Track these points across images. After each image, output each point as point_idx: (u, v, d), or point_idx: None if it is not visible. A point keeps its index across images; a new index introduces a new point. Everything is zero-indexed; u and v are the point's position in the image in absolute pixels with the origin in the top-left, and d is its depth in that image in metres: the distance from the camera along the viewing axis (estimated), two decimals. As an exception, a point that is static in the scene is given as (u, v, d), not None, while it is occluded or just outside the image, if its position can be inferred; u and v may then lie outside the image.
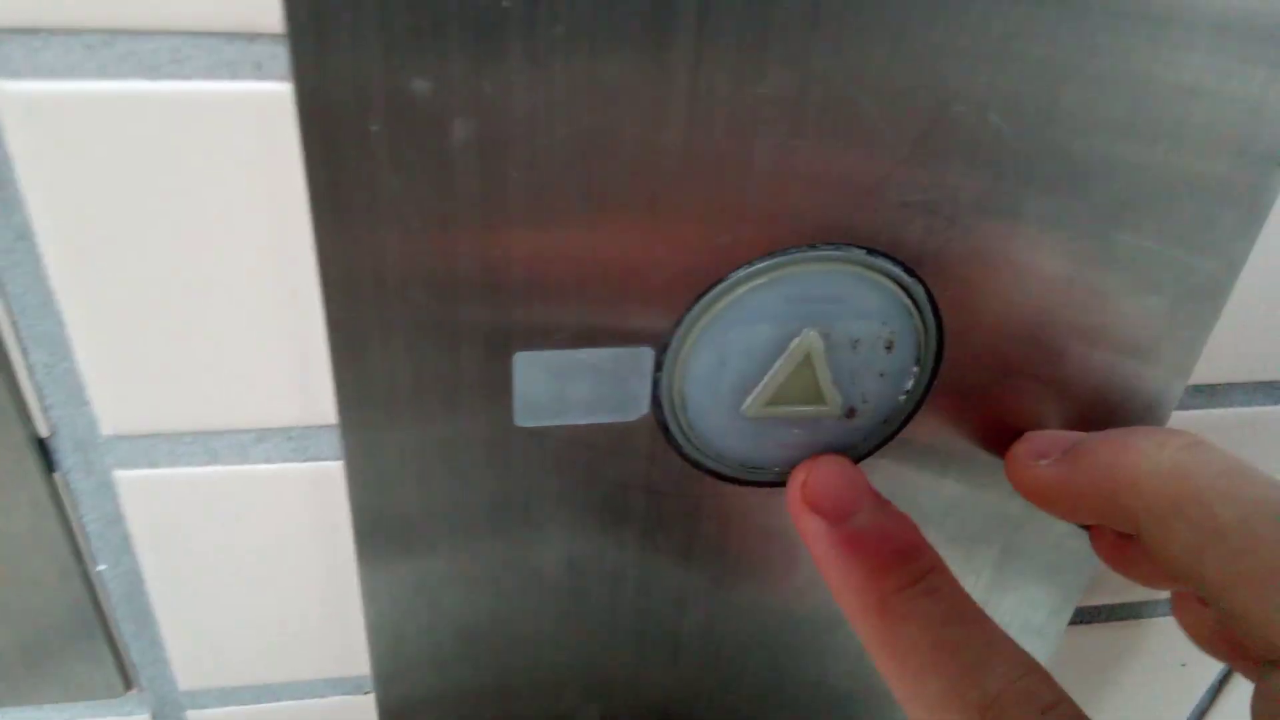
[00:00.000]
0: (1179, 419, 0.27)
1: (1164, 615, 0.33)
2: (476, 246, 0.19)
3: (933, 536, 0.24)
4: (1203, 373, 0.26)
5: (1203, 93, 0.20)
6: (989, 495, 0.26)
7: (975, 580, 0.28)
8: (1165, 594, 0.32)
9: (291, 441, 0.23)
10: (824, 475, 0.23)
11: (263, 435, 0.23)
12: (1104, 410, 0.25)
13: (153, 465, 0.23)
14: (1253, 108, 0.20)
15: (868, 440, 0.24)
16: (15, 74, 0.17)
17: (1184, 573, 0.19)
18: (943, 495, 0.26)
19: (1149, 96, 0.20)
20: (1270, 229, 0.22)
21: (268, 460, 0.23)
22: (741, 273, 0.21)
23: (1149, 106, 0.20)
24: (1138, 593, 0.32)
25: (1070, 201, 0.21)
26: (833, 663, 0.29)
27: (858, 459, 0.25)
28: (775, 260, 0.21)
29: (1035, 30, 0.19)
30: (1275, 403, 0.27)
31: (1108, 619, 0.33)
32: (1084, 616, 0.33)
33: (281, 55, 0.18)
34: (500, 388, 0.21)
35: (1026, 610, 0.29)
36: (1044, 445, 0.23)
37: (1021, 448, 0.23)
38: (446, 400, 0.21)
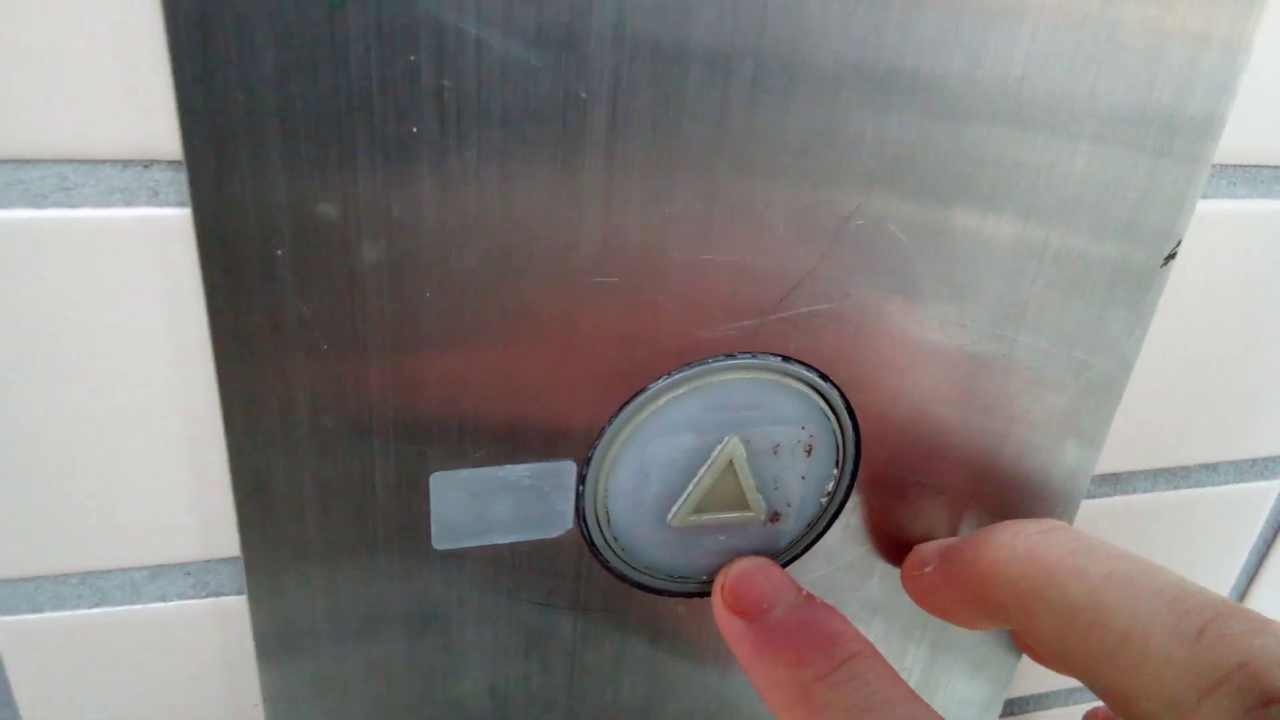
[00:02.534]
0: (1087, 508, 0.27)
1: (1092, 701, 0.34)
2: (389, 368, 0.19)
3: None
4: (1106, 463, 0.27)
5: (1092, 189, 0.21)
6: (914, 593, 0.26)
7: (907, 679, 0.28)
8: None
9: (189, 577, 0.22)
10: (742, 575, 0.23)
11: (157, 572, 0.21)
12: (1016, 504, 0.25)
13: (35, 610, 0.21)
14: (1139, 202, 0.21)
15: (793, 544, 0.24)
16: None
17: (1054, 658, 0.19)
18: (869, 596, 0.26)
19: (1040, 197, 0.21)
20: (1157, 324, 0.24)
21: (163, 599, 0.22)
22: (661, 383, 0.21)
23: (1040, 206, 0.21)
24: (1063, 681, 0.32)
25: (970, 306, 0.22)
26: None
27: (783, 563, 0.24)
28: (694, 370, 0.21)
29: (929, 146, 0.19)
30: (1175, 488, 0.28)
31: (1035, 709, 0.33)
32: (1013, 709, 0.33)
33: (180, 181, 0.17)
34: (416, 511, 0.20)
35: (957, 708, 0.29)
36: (928, 553, 0.23)
37: (908, 560, 0.24)
38: (359, 527, 0.20)
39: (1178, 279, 0.24)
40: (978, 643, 0.27)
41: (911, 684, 0.28)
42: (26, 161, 0.16)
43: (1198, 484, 0.28)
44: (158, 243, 0.18)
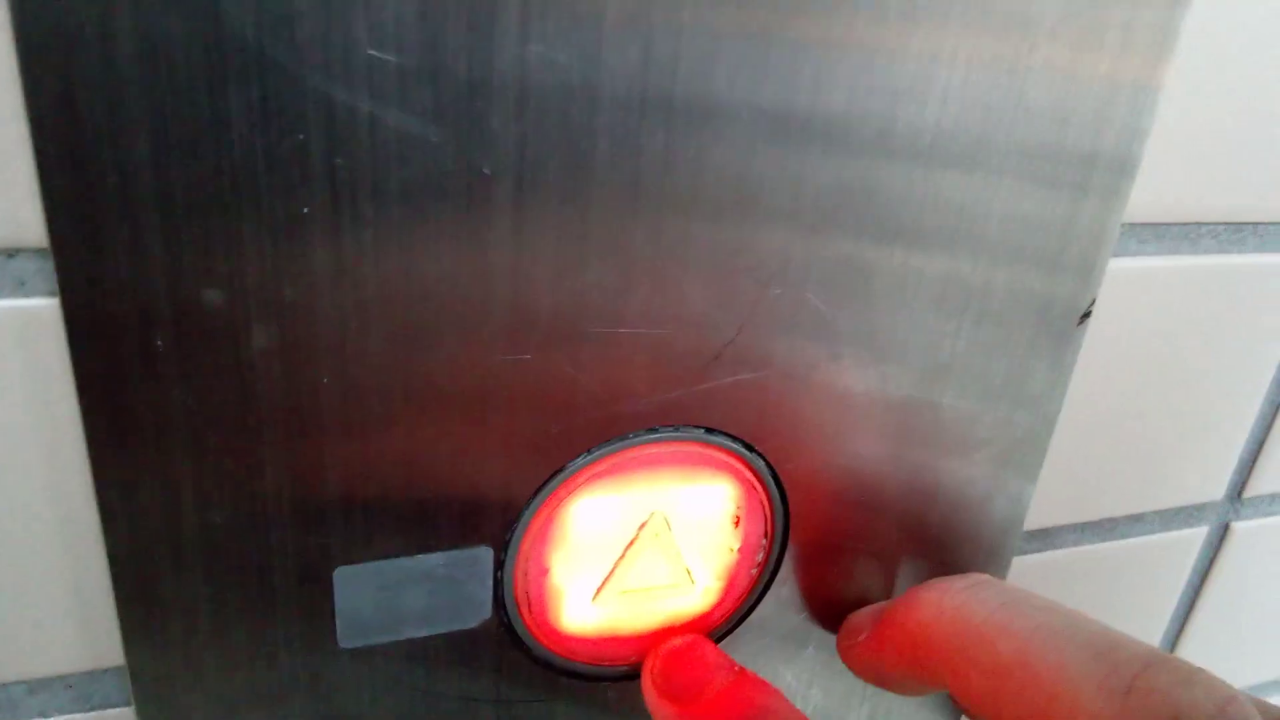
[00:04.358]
0: (1019, 564, 0.27)
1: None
2: (284, 458, 0.18)
3: (799, 708, 0.23)
4: (1035, 518, 0.27)
5: (1007, 252, 0.21)
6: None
7: (847, 749, 0.27)
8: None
9: (71, 689, 0.20)
10: (673, 658, 0.22)
11: (36, 686, 0.19)
12: (949, 563, 0.25)
13: (-107, 735, 0.19)
14: (1053, 263, 0.21)
15: (725, 618, 0.23)
16: None
17: (989, 717, 0.18)
18: (804, 666, 0.25)
19: (956, 262, 0.21)
20: (1077, 379, 0.24)
21: (43, 714, 0.20)
22: (580, 461, 0.20)
23: (957, 271, 0.21)
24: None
25: (894, 368, 0.21)
26: None
27: (717, 637, 0.23)
28: (614, 445, 0.20)
29: (845, 211, 0.19)
30: (1102, 540, 0.28)
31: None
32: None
33: (48, 269, 0.16)
34: (319, 609, 0.19)
35: (900, 774, 0.28)
36: (861, 620, 0.23)
37: (842, 629, 0.23)
38: (255, 629, 0.19)
39: (1095, 335, 0.24)
40: (916, 707, 0.27)
41: (852, 755, 0.27)
42: None
43: (1125, 535, 0.29)
44: (24, 336, 0.16)
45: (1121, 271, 0.24)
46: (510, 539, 0.20)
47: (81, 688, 0.20)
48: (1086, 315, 0.22)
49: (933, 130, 0.19)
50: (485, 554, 0.20)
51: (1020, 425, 0.23)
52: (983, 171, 0.20)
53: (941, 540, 0.24)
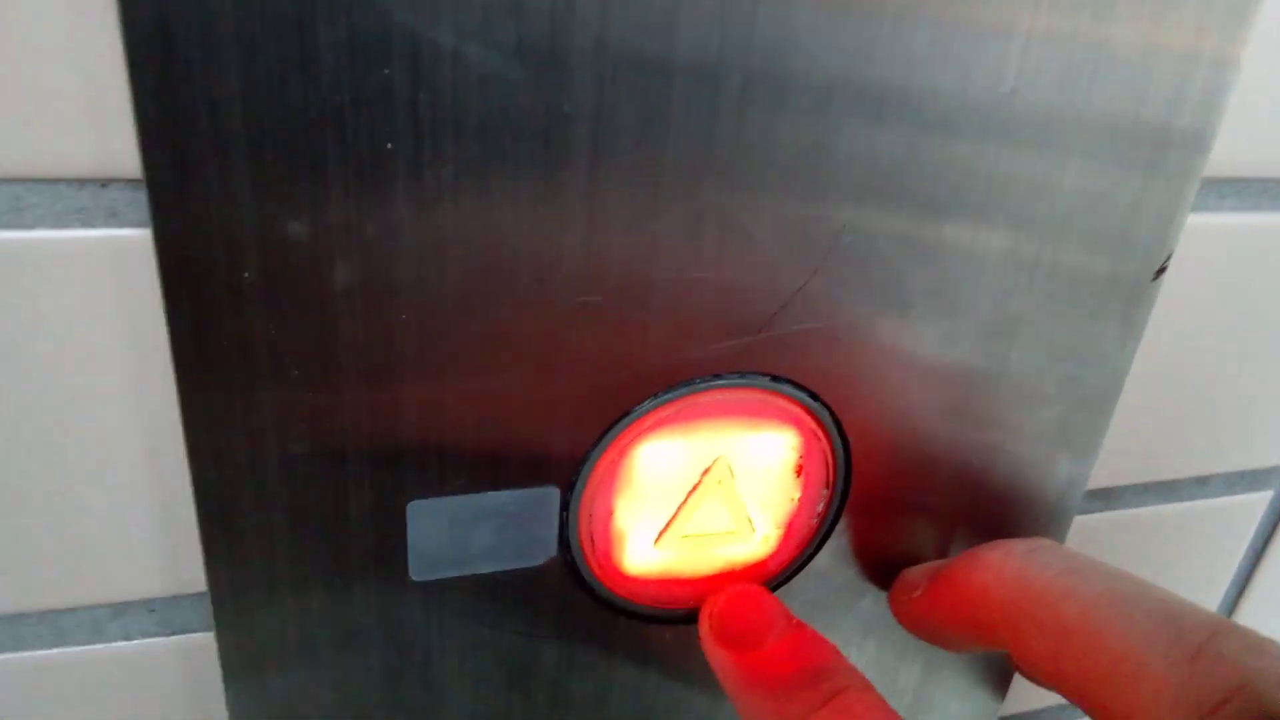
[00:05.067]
0: (1079, 523, 0.27)
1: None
2: (363, 394, 0.18)
3: (854, 659, 0.23)
4: (1098, 478, 0.27)
5: (1082, 204, 0.21)
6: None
7: (900, 701, 0.27)
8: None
9: (154, 614, 0.21)
10: (731, 605, 0.22)
11: (119, 610, 0.20)
12: (1008, 520, 0.25)
13: (-11, 651, 0.20)
14: (1129, 216, 0.21)
15: (784, 566, 0.24)
16: None
17: (1048, 679, 0.18)
18: (861, 617, 0.25)
19: (1031, 212, 0.20)
20: (1148, 338, 0.23)
21: (126, 637, 0.21)
22: (647, 405, 0.20)
23: (1031, 221, 0.20)
24: (1058, 698, 0.32)
25: (962, 322, 0.21)
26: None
27: (774, 586, 0.24)
28: (681, 391, 0.20)
29: (920, 161, 0.19)
30: (1166, 502, 0.28)
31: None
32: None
33: (140, 200, 0.16)
34: (392, 541, 0.20)
35: (951, 728, 0.28)
36: (916, 577, 0.23)
37: (896, 584, 0.23)
38: (332, 559, 0.19)
39: (1169, 292, 0.24)
40: (971, 662, 0.27)
41: (904, 705, 0.27)
42: (-24, 181, 0.15)
43: (1189, 497, 0.28)
44: (116, 265, 0.17)
45: (1199, 227, 0.23)
46: (576, 480, 0.21)
47: (164, 612, 0.21)
48: (1161, 271, 0.22)
49: (1012, 81, 0.19)
50: (552, 494, 0.20)
51: (1088, 383, 0.23)
52: (1059, 128, 0.19)
53: (1002, 497, 0.24)
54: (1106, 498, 0.27)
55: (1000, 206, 0.20)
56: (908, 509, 0.24)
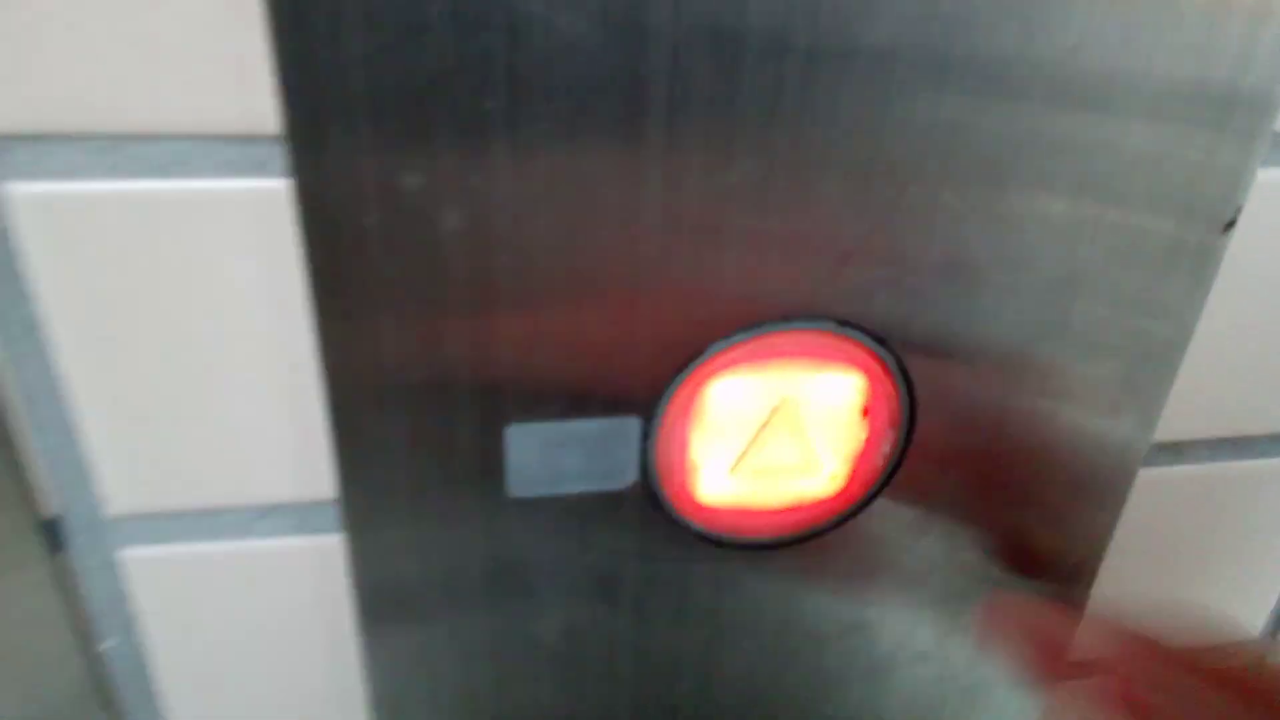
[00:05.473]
0: (1146, 476, 0.28)
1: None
2: (467, 327, 0.20)
3: (919, 597, 0.24)
4: (1166, 431, 0.27)
5: (1148, 160, 0.21)
6: (970, 554, 0.27)
7: (964, 638, 0.28)
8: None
9: (293, 517, 0.24)
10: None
11: (265, 511, 0.24)
12: (1073, 471, 0.26)
13: (157, 543, 0.24)
14: (1196, 172, 0.21)
15: (850, 504, 0.25)
16: (26, 176, 0.19)
17: None
18: (925, 555, 0.26)
19: (1095, 168, 0.21)
20: (1219, 291, 0.24)
21: (270, 535, 0.24)
22: (720, 345, 0.22)
23: (1096, 177, 0.21)
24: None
25: (1025, 273, 0.22)
26: (826, 725, 0.30)
27: (840, 520, 0.25)
28: (751, 332, 0.22)
29: (983, 114, 0.20)
30: (1236, 458, 0.28)
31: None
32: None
33: (280, 155, 0.19)
34: (494, 460, 0.22)
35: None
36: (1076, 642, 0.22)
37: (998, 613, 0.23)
38: (442, 473, 0.22)
39: (1239, 246, 0.24)
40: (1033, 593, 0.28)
41: (970, 642, 0.28)
42: (150, 137, 0.18)
43: (1263, 454, 0.28)
44: (260, 212, 0.20)
45: (1270, 182, 0.23)
46: (655, 412, 0.23)
47: (301, 516, 0.24)
48: (1231, 224, 0.22)
49: (1075, 39, 0.19)
50: (633, 424, 0.23)
51: (1154, 335, 0.24)
52: (1124, 86, 0.20)
53: (1064, 446, 0.25)
54: (1176, 451, 0.28)
55: (1065, 163, 0.21)
56: (972, 453, 0.25)
